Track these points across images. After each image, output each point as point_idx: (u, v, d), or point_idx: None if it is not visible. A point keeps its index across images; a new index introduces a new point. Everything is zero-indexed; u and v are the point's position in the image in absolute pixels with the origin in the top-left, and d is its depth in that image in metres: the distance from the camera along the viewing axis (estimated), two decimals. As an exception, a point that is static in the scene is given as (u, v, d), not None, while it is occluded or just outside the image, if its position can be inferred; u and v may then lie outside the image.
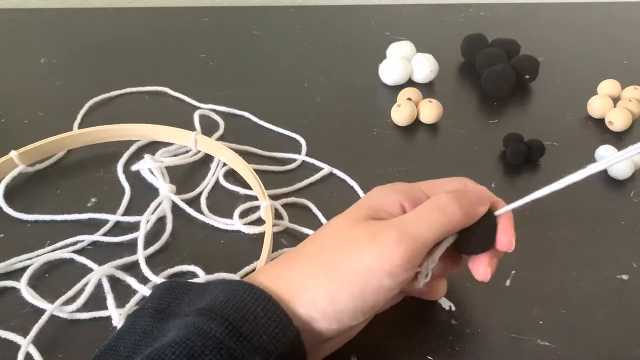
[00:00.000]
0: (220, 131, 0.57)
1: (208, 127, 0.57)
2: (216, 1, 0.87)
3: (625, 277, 0.44)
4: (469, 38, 0.69)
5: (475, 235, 0.36)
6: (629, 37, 0.77)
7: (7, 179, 0.50)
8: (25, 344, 0.38)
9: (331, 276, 0.32)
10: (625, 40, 0.76)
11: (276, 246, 0.46)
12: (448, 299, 0.42)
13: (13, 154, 0.51)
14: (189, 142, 0.54)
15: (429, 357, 0.38)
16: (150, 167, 0.51)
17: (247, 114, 0.60)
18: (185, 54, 0.71)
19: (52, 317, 0.40)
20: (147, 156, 0.51)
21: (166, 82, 0.64)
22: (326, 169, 0.53)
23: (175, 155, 0.53)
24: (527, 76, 0.64)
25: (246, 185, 0.51)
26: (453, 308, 0.41)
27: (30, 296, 0.41)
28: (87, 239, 0.46)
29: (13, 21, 0.77)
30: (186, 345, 0.28)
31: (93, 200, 0.50)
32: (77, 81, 0.65)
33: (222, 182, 0.51)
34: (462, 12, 0.82)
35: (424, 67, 0.65)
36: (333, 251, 0.33)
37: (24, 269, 0.43)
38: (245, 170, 0.50)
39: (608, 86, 0.62)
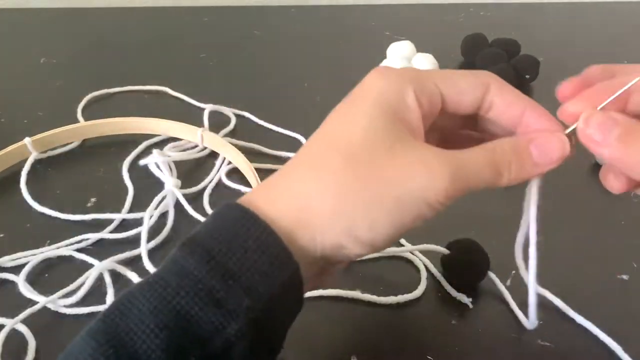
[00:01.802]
0: (231, 126, 0.58)
1: (217, 125, 0.58)
2: (216, 1, 0.87)
3: (625, 277, 0.44)
4: (469, 38, 0.69)
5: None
6: (629, 36, 0.77)
7: (27, 167, 0.51)
8: (11, 324, 0.38)
9: (372, 203, 0.27)
10: (626, 40, 0.76)
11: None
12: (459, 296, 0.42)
13: (27, 140, 0.51)
14: (196, 137, 0.54)
15: (429, 357, 0.38)
16: (157, 161, 0.51)
17: (247, 114, 0.60)
18: (185, 53, 0.71)
19: (52, 312, 0.40)
20: (155, 151, 0.52)
21: (166, 81, 0.64)
22: None
23: (183, 151, 0.54)
24: (527, 76, 0.64)
25: (249, 184, 0.51)
26: (470, 306, 0.41)
27: (28, 291, 0.41)
28: (92, 237, 0.46)
29: (13, 21, 0.77)
30: (159, 286, 0.25)
31: (93, 200, 0.50)
32: (77, 81, 0.65)
33: (224, 179, 0.52)
34: (462, 12, 0.82)
35: (424, 67, 0.65)
36: (371, 177, 0.28)
37: (23, 265, 0.43)
38: (247, 169, 0.50)
39: (608, 86, 0.62)
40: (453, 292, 0.41)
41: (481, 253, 0.42)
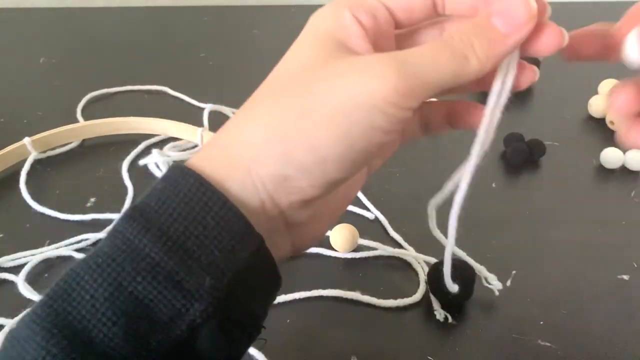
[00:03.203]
0: None
1: (217, 125, 0.58)
2: (216, 1, 0.87)
3: (625, 277, 0.44)
4: (469, 38, 0.69)
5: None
6: (629, 36, 0.77)
7: (26, 167, 0.51)
8: (10, 324, 0.38)
9: (305, 118, 0.24)
10: (626, 40, 0.76)
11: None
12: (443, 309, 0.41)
13: (26, 140, 0.52)
14: (196, 137, 0.54)
15: (429, 357, 0.38)
16: (157, 161, 0.51)
17: (246, 114, 0.60)
18: (185, 53, 0.71)
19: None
20: (155, 151, 0.52)
21: (166, 81, 0.64)
22: None
23: (183, 151, 0.54)
24: (527, 76, 0.64)
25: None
26: (450, 319, 0.40)
27: (27, 291, 0.41)
28: (92, 237, 0.46)
29: (12, 21, 0.77)
30: (111, 269, 0.23)
31: (92, 200, 0.50)
32: (76, 81, 0.65)
33: None
34: (462, 12, 0.82)
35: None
36: (303, 91, 0.25)
37: (22, 265, 0.43)
38: None
39: (609, 86, 0.62)
40: (436, 307, 0.41)
41: (459, 277, 0.35)
